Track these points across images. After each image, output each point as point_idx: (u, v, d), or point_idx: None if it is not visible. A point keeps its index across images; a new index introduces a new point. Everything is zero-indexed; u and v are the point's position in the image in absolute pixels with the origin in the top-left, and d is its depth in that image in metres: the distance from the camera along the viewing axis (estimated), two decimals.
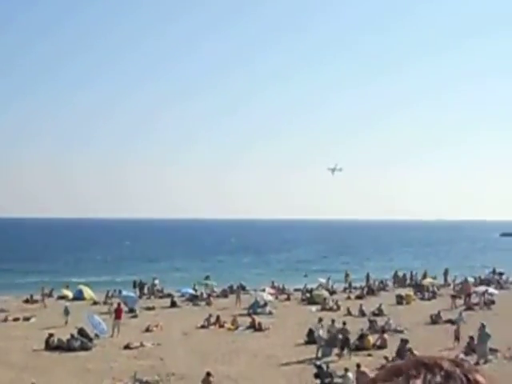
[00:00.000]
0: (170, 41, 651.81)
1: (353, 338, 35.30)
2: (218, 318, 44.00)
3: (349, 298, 58.90)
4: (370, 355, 33.30)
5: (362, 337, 35.59)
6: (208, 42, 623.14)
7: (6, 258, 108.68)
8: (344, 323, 36.78)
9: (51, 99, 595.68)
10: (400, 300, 55.17)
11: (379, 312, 47.57)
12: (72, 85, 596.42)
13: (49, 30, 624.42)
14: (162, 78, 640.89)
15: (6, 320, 45.89)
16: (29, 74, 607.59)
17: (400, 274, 73.85)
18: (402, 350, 31.61)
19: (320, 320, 37.09)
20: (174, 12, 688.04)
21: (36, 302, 56.08)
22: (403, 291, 60.36)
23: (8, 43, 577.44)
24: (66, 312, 44.21)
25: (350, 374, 26.83)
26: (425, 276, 72.00)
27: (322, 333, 34.73)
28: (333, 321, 37.30)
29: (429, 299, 57.98)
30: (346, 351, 33.65)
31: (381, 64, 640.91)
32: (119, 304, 44.07)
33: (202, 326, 42.88)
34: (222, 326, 42.95)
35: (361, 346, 34.70)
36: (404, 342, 32.45)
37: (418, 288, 63.29)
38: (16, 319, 46.21)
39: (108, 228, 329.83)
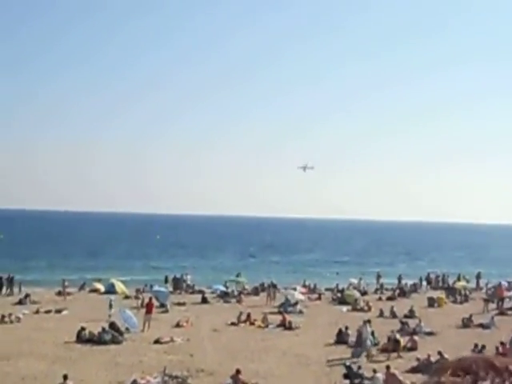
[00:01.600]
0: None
1: (384, 340, 35.13)
2: (248, 315, 43.98)
3: (380, 299, 58.57)
4: (400, 357, 33.05)
5: (390, 339, 35.31)
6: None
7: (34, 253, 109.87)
8: (365, 322, 36.58)
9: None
10: (432, 303, 54.75)
11: (411, 314, 47.22)
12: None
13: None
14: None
15: (38, 312, 46.28)
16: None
17: (432, 276, 73.37)
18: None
19: (366, 322, 36.74)
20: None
21: (68, 294, 56.54)
22: (435, 294, 59.91)
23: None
24: (110, 305, 44.31)
25: (380, 375, 26.64)
26: (458, 279, 71.46)
27: (366, 334, 34.31)
28: (365, 321, 37.03)
29: (461, 303, 57.52)
30: (375, 352, 33.48)
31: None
32: (150, 298, 44.18)
33: (233, 323, 42.89)
34: (252, 324, 42.93)
35: (391, 347, 34.46)
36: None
37: (450, 291, 62.72)
38: (48, 311, 46.61)
39: (131, 222, 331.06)
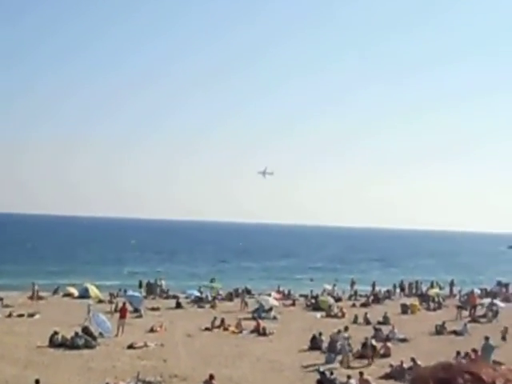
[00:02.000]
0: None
1: (357, 346, 35.27)
2: (222, 320, 43.97)
3: (354, 305, 58.74)
4: (372, 363, 33.20)
5: (365, 345, 35.46)
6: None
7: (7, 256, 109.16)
8: (339, 331, 36.84)
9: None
10: (405, 309, 55.01)
11: (384, 320, 47.43)
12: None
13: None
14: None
15: (10, 316, 45.92)
16: (31, 71, 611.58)
17: (405, 283, 73.74)
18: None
19: (344, 328, 36.93)
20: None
21: (41, 298, 56.24)
22: (409, 301, 60.21)
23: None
24: (89, 310, 43.94)
25: (353, 381, 26.77)
26: (432, 286, 71.92)
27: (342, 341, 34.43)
28: (339, 330, 37.19)
29: (434, 309, 57.88)
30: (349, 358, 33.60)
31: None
32: (124, 303, 44.10)
33: (207, 329, 42.85)
34: (226, 329, 42.92)
35: (364, 353, 34.60)
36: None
37: (424, 298, 63.12)
38: (20, 315, 46.25)
39: (109, 227, 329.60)
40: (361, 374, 27.41)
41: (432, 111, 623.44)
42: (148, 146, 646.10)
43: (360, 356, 34.35)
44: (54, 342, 35.47)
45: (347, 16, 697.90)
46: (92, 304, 46.85)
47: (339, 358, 33.57)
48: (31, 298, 55.84)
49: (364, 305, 58.80)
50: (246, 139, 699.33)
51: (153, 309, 51.62)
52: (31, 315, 46.31)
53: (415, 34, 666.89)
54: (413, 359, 30.59)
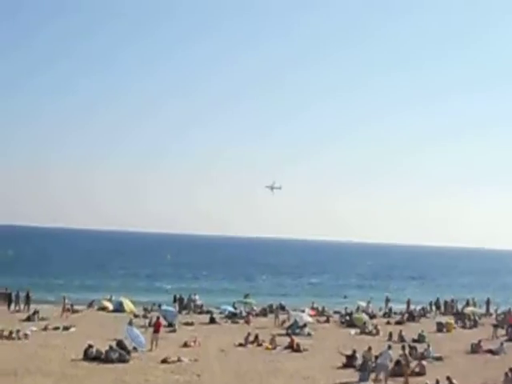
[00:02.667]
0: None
1: (391, 364, 34.89)
2: (256, 336, 43.85)
3: (388, 322, 58.27)
4: (407, 382, 32.83)
5: (398, 363, 35.08)
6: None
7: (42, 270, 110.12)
8: (369, 348, 36.49)
9: None
10: (440, 327, 54.44)
11: (419, 338, 46.93)
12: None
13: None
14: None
15: (46, 329, 46.24)
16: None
17: (441, 301, 73.03)
18: None
19: (370, 348, 36.59)
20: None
21: (76, 311, 56.58)
22: (444, 319, 59.62)
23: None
24: (130, 323, 43.98)
25: None
26: (467, 304, 71.15)
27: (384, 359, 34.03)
28: (369, 348, 36.85)
29: (470, 328, 57.16)
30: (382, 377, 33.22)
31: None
32: (158, 318, 44.19)
33: (240, 344, 42.74)
34: (260, 345, 42.76)
35: (398, 372, 34.22)
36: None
37: (459, 316, 62.39)
38: (56, 328, 46.57)
39: (140, 242, 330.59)
40: None
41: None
42: (172, 162, 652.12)
43: (394, 374, 33.97)
44: (89, 356, 35.58)
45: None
46: (133, 318, 46.85)
47: (373, 375, 33.26)
48: (63, 311, 56.12)
49: (399, 322, 58.27)
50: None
51: (187, 324, 51.64)
52: (66, 328, 46.58)
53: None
54: (448, 378, 30.22)
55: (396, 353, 35.90)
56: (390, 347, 35.40)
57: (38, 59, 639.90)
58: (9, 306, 57.22)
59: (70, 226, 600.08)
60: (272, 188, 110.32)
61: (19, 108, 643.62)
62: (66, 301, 57.15)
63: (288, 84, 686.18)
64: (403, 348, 36.65)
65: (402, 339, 46.54)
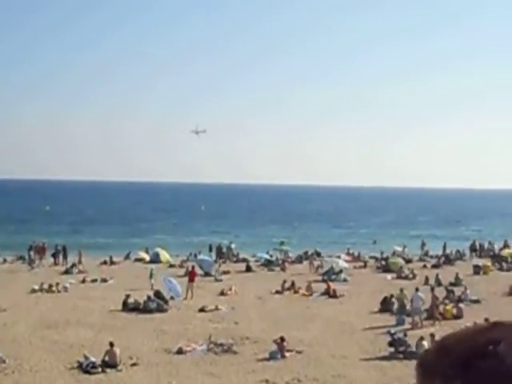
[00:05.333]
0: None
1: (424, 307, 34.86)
2: (292, 283, 44.01)
3: (425, 266, 58.12)
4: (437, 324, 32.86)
5: (435, 306, 35.03)
6: None
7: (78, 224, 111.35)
8: (401, 290, 36.60)
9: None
10: (477, 270, 54.12)
11: (456, 282, 46.81)
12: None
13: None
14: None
15: (84, 281, 46.78)
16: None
17: (477, 243, 72.56)
18: None
19: (402, 290, 36.66)
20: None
21: (114, 263, 57.15)
22: (481, 261, 59.31)
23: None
24: (151, 275, 44.62)
25: (425, 343, 26.49)
26: (505, 246, 70.73)
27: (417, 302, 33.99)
28: (401, 289, 36.92)
29: (507, 270, 56.86)
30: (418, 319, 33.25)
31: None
32: (193, 267, 44.44)
33: (277, 292, 42.93)
34: (296, 292, 42.94)
35: (433, 314, 34.19)
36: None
37: (497, 258, 62.11)
38: (94, 280, 47.10)
39: (171, 192, 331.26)
40: (432, 335, 27.04)
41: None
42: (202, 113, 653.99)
43: (429, 317, 34.00)
44: (127, 306, 36.02)
45: None
46: (154, 268, 47.12)
47: (410, 319, 33.30)
48: (104, 263, 56.66)
49: (435, 266, 58.11)
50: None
51: (223, 272, 51.91)
52: (104, 280, 47.09)
53: None
54: (486, 320, 30.10)
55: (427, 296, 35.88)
56: (417, 289, 35.43)
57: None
58: (57, 258, 57.34)
59: (101, 178, 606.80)
60: (197, 132, 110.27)
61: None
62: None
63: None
64: (432, 290, 36.73)
65: (438, 283, 46.46)
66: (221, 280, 47.67)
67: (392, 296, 37.42)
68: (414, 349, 26.87)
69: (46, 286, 42.22)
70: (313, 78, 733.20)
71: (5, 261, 57.93)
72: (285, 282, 44.02)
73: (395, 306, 36.01)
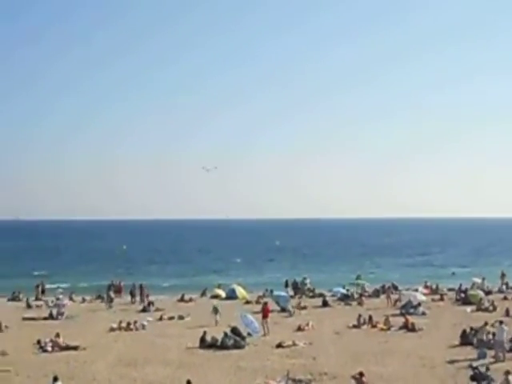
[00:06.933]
0: None
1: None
2: (370, 317, 43.55)
3: (505, 298, 56.92)
4: None
5: None
6: None
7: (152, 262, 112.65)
8: (485, 323, 35.83)
9: None
10: None
11: None
12: None
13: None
14: None
15: (161, 319, 47.14)
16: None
17: None
18: None
19: (486, 323, 35.91)
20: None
21: (189, 300, 57.50)
22: None
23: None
24: (215, 311, 44.78)
25: (511, 378, 25.78)
26: None
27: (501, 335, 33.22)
28: (485, 323, 36.17)
29: None
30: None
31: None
32: (266, 303, 44.13)
33: (354, 326, 42.54)
34: (374, 326, 42.46)
35: None
36: None
37: None
38: (171, 318, 47.43)
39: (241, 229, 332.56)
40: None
41: None
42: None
43: (511, 350, 33.14)
44: (205, 343, 36.11)
45: None
46: (217, 304, 47.11)
47: (491, 352, 32.50)
48: (181, 300, 57.05)
49: None
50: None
51: (301, 308, 51.66)
52: (181, 317, 47.38)
53: None
54: None
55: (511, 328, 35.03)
56: (501, 322, 34.56)
57: None
58: (133, 297, 58.02)
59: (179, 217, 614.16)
60: (207, 170, 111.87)
61: None
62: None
63: None
64: None
65: None
66: (293, 316, 47.58)
67: (472, 329, 36.70)
68: (498, 383, 26.17)
69: (124, 325, 42.74)
70: None
71: (84, 300, 58.93)
72: (360, 316, 43.55)
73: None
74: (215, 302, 50.03)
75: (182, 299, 58.04)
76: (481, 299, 52.36)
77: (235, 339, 36.13)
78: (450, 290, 62.93)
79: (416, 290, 57.55)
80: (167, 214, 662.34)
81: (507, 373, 26.02)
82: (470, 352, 33.31)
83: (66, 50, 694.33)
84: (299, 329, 41.47)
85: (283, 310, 49.56)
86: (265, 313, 41.60)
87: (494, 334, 34.17)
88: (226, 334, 36.37)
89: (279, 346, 35.90)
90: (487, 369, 27.69)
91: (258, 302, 53.97)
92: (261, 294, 59.30)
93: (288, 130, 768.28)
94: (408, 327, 41.36)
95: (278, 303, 50.90)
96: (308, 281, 65.42)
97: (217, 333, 37.02)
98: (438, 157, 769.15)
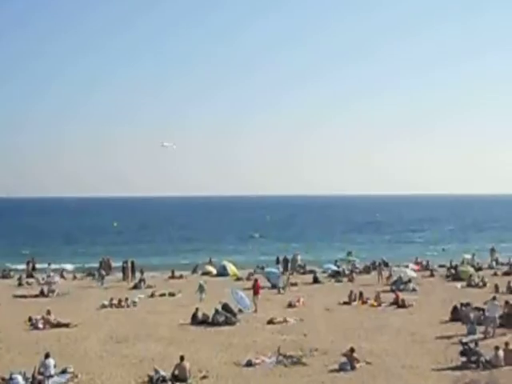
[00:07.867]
0: None
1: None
2: (360, 294, 43.70)
3: (495, 274, 57.19)
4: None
5: (509, 315, 34.38)
6: None
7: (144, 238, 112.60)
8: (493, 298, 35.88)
9: None
10: None
11: None
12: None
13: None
14: None
15: (153, 295, 47.19)
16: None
17: None
18: None
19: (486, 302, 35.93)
20: None
21: (180, 277, 57.56)
22: None
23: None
24: (201, 289, 44.89)
25: (501, 353, 25.97)
26: None
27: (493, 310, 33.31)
28: (485, 302, 36.24)
29: None
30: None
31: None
32: (256, 280, 44.28)
33: (345, 303, 42.69)
34: (364, 303, 42.62)
35: (506, 323, 33.52)
36: None
37: None
38: (162, 295, 47.46)
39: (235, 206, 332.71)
40: (506, 344, 26.55)
41: None
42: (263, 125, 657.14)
43: (501, 325, 33.26)
44: (196, 320, 36.18)
45: None
46: (203, 283, 46.98)
47: (481, 328, 32.64)
48: (172, 277, 57.06)
49: (507, 273, 57.11)
50: None
51: (291, 284, 51.78)
52: (172, 294, 47.43)
53: None
54: None
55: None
56: (494, 298, 34.72)
57: None
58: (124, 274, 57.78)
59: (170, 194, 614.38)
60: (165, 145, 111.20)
61: None
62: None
63: None
64: (506, 303, 35.85)
65: (510, 290, 45.66)
66: (283, 293, 47.71)
67: (462, 304, 36.87)
68: (487, 358, 26.31)
69: (115, 302, 42.72)
70: None
71: (75, 277, 58.87)
72: (351, 292, 43.69)
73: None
74: (202, 280, 49.84)
75: (172, 276, 58.07)
76: (471, 275, 52.56)
77: (226, 316, 36.19)
78: (440, 266, 63.25)
79: (406, 267, 57.73)
80: (160, 192, 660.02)
81: (497, 348, 26.30)
82: (459, 328, 33.45)
83: (56, 33, 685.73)
84: (290, 305, 41.58)
85: (274, 286, 49.62)
86: (256, 289, 41.70)
87: (483, 310, 34.35)
88: (217, 311, 36.41)
89: (270, 322, 35.99)
90: (476, 344, 27.83)
91: (248, 279, 54.07)
92: (252, 270, 59.33)
93: (279, 109, 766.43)
94: (399, 303, 41.50)
95: (268, 279, 50.99)
96: (299, 257, 65.50)
97: (208, 310, 37.08)
98: (432, 135, 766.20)
